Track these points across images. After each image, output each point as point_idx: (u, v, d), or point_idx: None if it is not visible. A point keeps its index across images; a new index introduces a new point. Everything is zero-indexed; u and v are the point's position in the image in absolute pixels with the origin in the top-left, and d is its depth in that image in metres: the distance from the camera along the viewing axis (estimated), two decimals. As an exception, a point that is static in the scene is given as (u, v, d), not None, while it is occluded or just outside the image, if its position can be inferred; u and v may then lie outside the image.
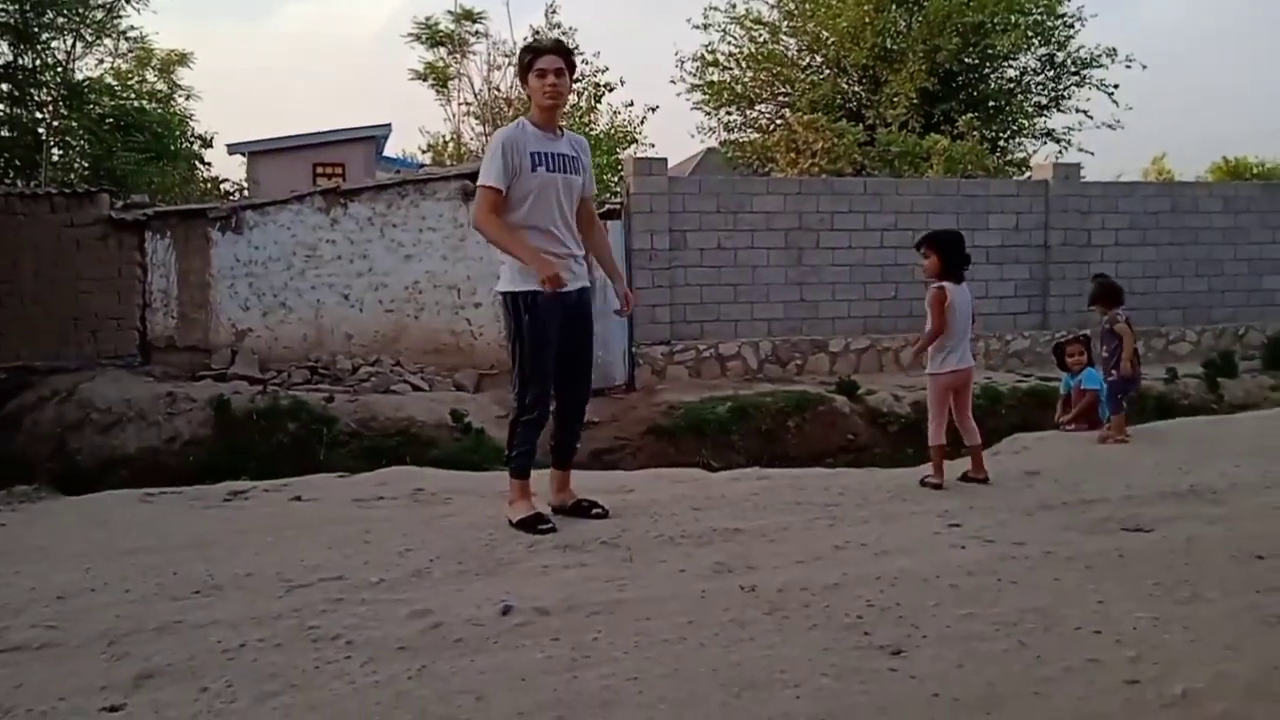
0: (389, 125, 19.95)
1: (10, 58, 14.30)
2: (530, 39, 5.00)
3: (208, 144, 18.66)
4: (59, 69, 14.68)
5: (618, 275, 4.94)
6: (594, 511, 4.60)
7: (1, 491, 6.26)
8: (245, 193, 17.04)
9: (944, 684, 2.73)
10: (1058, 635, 3.08)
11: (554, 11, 19.90)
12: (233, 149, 18.59)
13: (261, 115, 49.17)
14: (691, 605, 3.41)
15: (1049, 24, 20.85)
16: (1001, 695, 2.66)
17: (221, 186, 17.82)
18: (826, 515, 4.72)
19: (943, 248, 5.48)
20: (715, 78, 22.35)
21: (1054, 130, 22.22)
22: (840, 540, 4.24)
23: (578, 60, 21.55)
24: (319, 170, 17.78)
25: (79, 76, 15.31)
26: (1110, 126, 21.66)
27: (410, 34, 19.89)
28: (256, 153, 18.46)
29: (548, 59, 4.46)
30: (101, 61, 16.82)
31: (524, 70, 4.54)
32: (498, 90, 19.76)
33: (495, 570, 3.89)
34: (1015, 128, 21.66)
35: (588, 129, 18.99)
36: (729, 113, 22.66)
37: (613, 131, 20.02)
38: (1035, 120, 22.01)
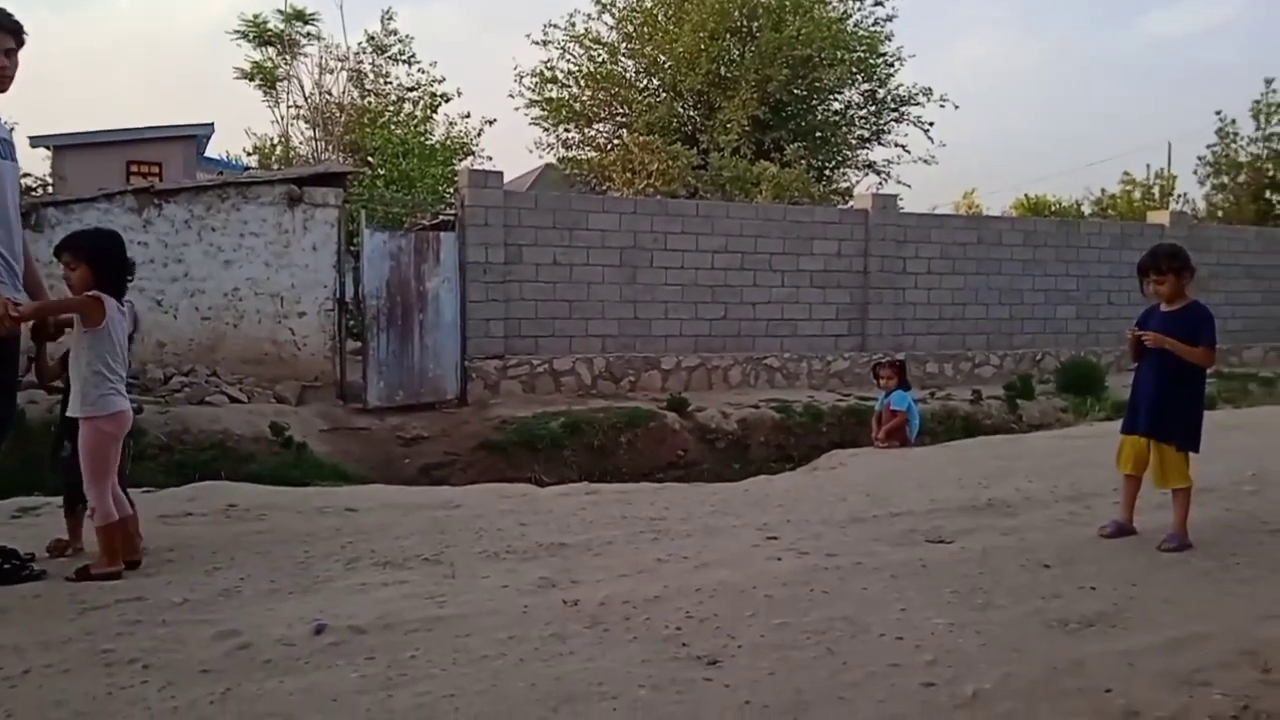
0: (212, 125, 19.10)
1: None
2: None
3: (5, 134, 17.33)
4: None
5: (38, 286, 4.47)
6: None
7: None
8: (49, 189, 15.92)
9: (755, 691, 2.82)
10: (863, 642, 3.23)
11: (390, 18, 19.58)
12: (36, 141, 17.34)
13: (73, 108, 46.07)
14: (513, 620, 3.40)
15: (872, 61, 22.08)
16: (808, 701, 2.76)
17: (21, 181, 16.59)
18: (651, 529, 4.80)
19: (95, 255, 4.09)
20: (554, 94, 22.49)
21: (875, 162, 23.61)
22: (663, 554, 4.32)
23: (412, 69, 21.04)
24: (134, 168, 16.78)
25: None
26: (926, 161, 23.11)
27: (237, 31, 19.13)
28: (64, 146, 17.27)
29: None
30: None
31: None
32: (329, 94, 19.25)
33: (310, 588, 3.76)
34: (840, 158, 22.80)
35: (423, 139, 18.69)
36: (567, 130, 22.86)
37: (449, 142, 19.80)
38: (858, 152, 23.29)
